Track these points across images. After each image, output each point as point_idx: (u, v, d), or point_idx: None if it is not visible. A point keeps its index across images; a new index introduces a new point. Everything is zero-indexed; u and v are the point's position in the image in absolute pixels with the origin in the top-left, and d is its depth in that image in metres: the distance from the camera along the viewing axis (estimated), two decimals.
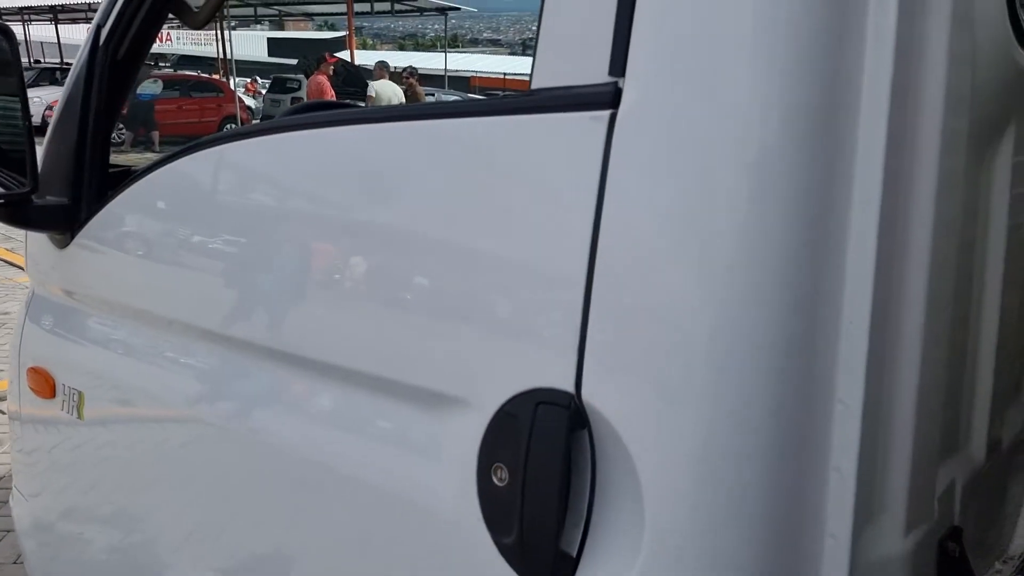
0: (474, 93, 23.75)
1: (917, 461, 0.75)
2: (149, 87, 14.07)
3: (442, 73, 25.08)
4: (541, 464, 0.71)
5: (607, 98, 0.69)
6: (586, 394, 0.70)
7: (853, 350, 0.67)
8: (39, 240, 1.44)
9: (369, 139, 0.90)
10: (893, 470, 0.73)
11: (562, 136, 0.72)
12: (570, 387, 0.71)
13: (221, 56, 19.45)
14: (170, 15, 1.40)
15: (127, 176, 1.28)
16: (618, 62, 0.69)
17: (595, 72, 0.71)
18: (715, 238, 0.65)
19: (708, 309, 0.66)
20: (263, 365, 1.04)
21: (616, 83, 0.70)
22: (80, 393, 1.36)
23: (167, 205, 1.21)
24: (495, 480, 0.75)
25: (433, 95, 16.31)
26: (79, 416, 1.37)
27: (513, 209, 0.76)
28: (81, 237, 1.32)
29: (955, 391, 0.87)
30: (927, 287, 0.72)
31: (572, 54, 0.74)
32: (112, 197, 1.27)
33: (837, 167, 0.66)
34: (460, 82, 29.41)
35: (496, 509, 0.75)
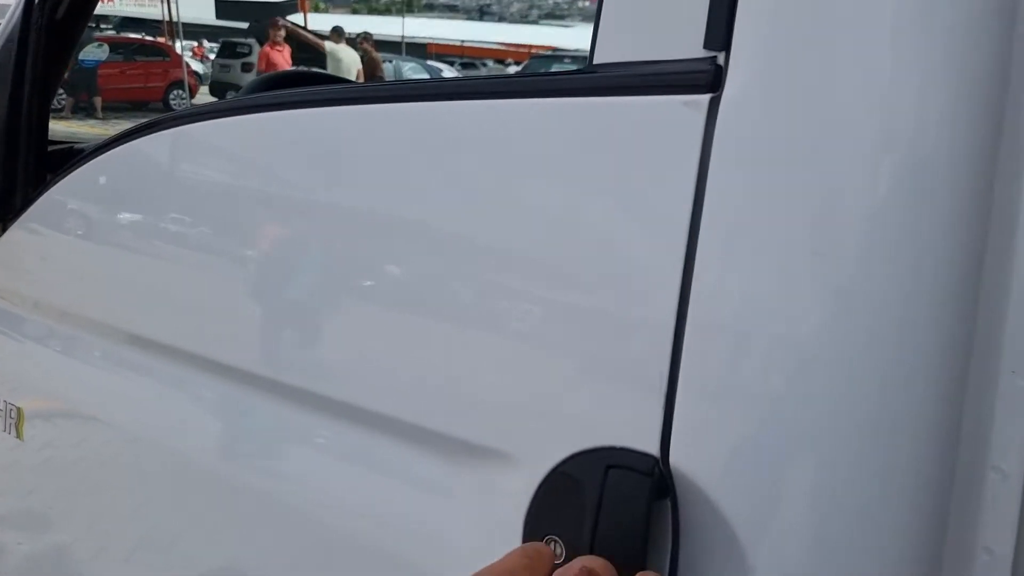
0: (432, 60, 23.24)
1: None
2: (92, 51, 13.39)
3: (399, 39, 24.51)
4: (612, 542, 0.57)
5: (705, 78, 0.54)
6: (675, 457, 0.55)
7: (1014, 404, 0.53)
8: None
9: (380, 121, 0.73)
10: None
11: (643, 126, 0.57)
12: (653, 447, 0.56)
13: (166, 18, 18.69)
14: None
15: (71, 156, 1.10)
16: (718, 31, 0.54)
17: (684, 44, 0.56)
18: (852, 262, 0.51)
19: (842, 348, 0.52)
20: (240, 390, 0.87)
21: (715, 59, 0.54)
22: (19, 409, 1.17)
23: (122, 193, 1.03)
24: None
25: (391, 62, 15.87)
26: (18, 435, 1.18)
27: (577, 215, 0.60)
28: (15, 229, 1.13)
29: None
30: None
31: (650, 19, 0.58)
32: (54, 182, 1.08)
33: (1003, 172, 0.52)
34: (417, 48, 28.79)
35: None
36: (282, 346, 0.85)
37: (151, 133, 0.94)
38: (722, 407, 0.54)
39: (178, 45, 16.87)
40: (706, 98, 0.54)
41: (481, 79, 0.61)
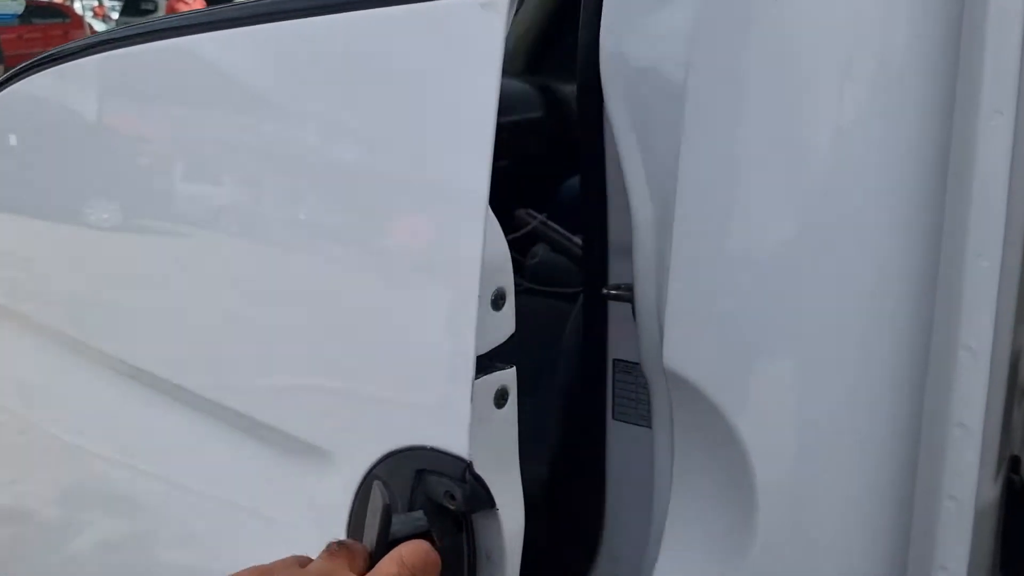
0: None
1: (1008, 399, 0.67)
2: (6, 5, 12.47)
3: None
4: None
5: None
6: (668, 357, 0.57)
7: (980, 287, 0.56)
8: None
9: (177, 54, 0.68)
10: (993, 413, 0.65)
11: (439, 35, 0.51)
12: (462, 450, 0.49)
13: None
14: None
15: None
16: None
17: None
18: (819, 169, 0.53)
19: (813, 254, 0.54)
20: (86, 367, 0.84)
21: None
22: None
23: None
24: None
25: None
26: None
27: (373, 147, 0.56)
28: None
29: None
30: None
31: None
32: None
33: (964, 73, 0.54)
34: None
35: None
36: (128, 325, 0.80)
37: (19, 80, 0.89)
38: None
39: (78, 5, 15.97)
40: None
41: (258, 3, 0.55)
